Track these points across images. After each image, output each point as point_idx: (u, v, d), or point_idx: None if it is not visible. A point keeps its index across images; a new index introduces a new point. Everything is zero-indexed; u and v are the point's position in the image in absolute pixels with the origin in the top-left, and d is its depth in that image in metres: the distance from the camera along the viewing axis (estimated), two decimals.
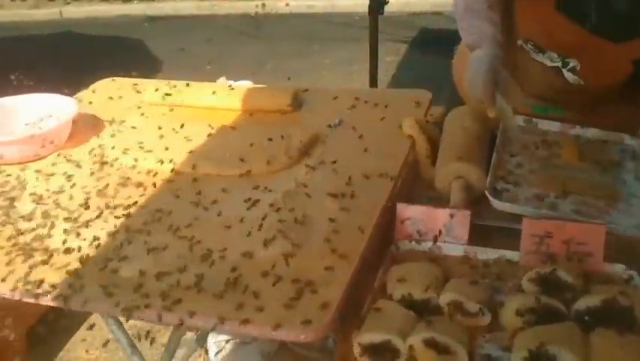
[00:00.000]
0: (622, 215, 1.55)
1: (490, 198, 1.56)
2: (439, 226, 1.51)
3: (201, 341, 1.99)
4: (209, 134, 1.93)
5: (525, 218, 1.44)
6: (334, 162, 1.75)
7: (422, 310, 1.31)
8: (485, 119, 1.81)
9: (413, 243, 1.52)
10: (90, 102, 2.28)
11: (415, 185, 1.79)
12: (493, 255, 1.46)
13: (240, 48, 6.88)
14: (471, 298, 1.27)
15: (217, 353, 1.97)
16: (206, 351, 2.00)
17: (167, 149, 1.84)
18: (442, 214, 1.51)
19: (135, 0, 8.69)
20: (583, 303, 1.24)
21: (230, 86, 2.33)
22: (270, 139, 1.85)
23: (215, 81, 2.59)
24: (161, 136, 1.93)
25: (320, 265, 1.36)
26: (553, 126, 1.90)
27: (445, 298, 1.30)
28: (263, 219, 1.53)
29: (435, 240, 1.50)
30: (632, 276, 1.36)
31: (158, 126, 1.99)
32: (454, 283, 1.34)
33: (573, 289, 1.29)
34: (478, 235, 1.53)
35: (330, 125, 1.96)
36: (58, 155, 1.94)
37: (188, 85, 2.23)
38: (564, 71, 1.83)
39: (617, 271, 1.39)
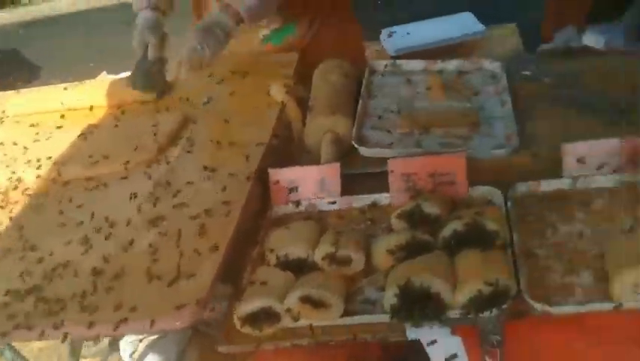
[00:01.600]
0: (484, 138, 1.59)
1: (357, 147, 1.57)
2: (311, 184, 1.52)
3: (114, 346, 1.96)
4: (81, 135, 1.87)
5: (390, 159, 1.47)
6: (205, 141, 1.73)
7: (300, 269, 1.32)
8: (350, 71, 1.83)
9: (290, 205, 1.52)
10: None
11: (291, 149, 1.78)
12: (366, 201, 1.49)
13: (121, 39, 6.63)
14: (343, 247, 1.29)
15: (132, 354, 1.94)
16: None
17: (29, 161, 1.77)
18: (312, 172, 1.52)
19: (8, 6, 8.23)
20: (447, 230, 1.27)
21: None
22: (140, 130, 1.80)
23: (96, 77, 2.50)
24: (25, 148, 1.86)
25: (190, 250, 1.34)
26: (417, 65, 1.92)
27: (319, 253, 1.31)
28: (137, 211, 1.50)
29: (309, 198, 1.51)
30: (492, 196, 1.41)
31: (21, 136, 1.91)
32: (326, 236, 1.35)
33: (439, 219, 1.32)
34: (352, 184, 1.56)
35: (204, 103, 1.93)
36: None
37: (65, 88, 2.12)
38: None
39: (482, 193, 1.43)
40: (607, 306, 1.12)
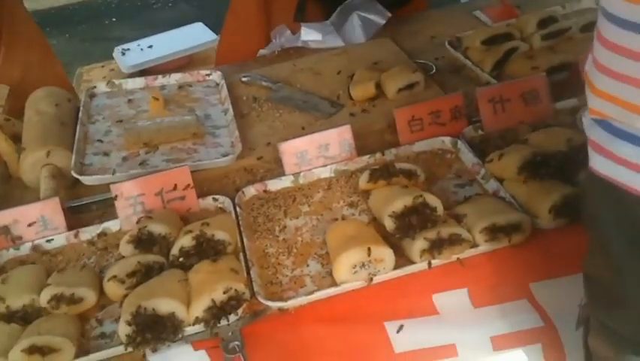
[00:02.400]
0: (210, 148, 1.60)
1: (77, 176, 1.49)
2: (31, 224, 1.40)
3: None
4: None
5: (113, 185, 1.40)
6: None
7: (28, 318, 1.21)
8: (63, 98, 1.73)
9: (11, 250, 1.39)
10: None
11: (8, 188, 1.63)
12: (95, 231, 1.41)
13: None
14: (72, 285, 1.21)
15: None
16: None
17: None
18: (31, 210, 1.41)
19: None
20: (176, 247, 1.26)
21: None
22: None
23: None
24: None
25: None
26: (137, 83, 1.88)
27: (44, 297, 1.21)
28: None
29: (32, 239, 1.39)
30: (223, 201, 1.42)
31: None
32: (52, 277, 1.26)
33: (168, 237, 1.30)
34: (81, 215, 1.47)
35: None
36: None
37: None
38: None
39: (212, 202, 1.44)
40: (332, 291, 1.18)
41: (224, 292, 1.15)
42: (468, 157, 1.44)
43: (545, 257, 1.23)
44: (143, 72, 3.05)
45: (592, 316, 0.98)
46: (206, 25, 3.47)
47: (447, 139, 1.50)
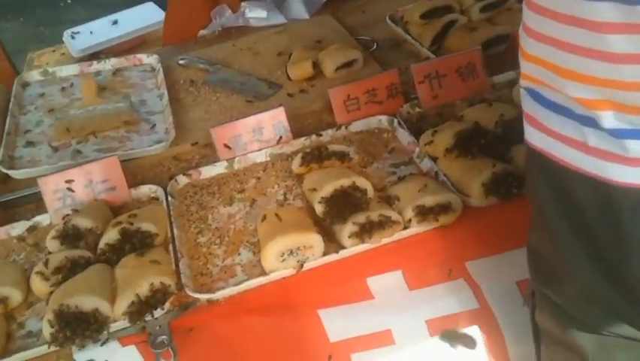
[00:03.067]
0: (144, 136, 1.56)
1: (6, 171, 1.45)
2: None
3: None
4: None
5: (40, 178, 1.36)
6: None
7: None
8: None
9: None
10: None
11: None
12: (24, 227, 1.37)
13: None
14: None
15: None
16: None
17: None
18: None
19: None
20: (102, 241, 1.23)
21: None
22: None
23: None
24: None
25: None
26: (71, 70, 1.83)
27: None
28: None
29: None
30: (155, 190, 1.39)
31: None
32: None
33: (96, 231, 1.27)
34: (15, 210, 1.44)
35: None
36: None
37: None
38: None
39: (144, 192, 1.40)
40: (262, 280, 1.16)
41: (150, 287, 1.12)
42: (404, 136, 1.42)
43: (479, 235, 1.21)
44: (93, 55, 2.97)
45: (536, 291, 0.97)
46: (157, 4, 3.39)
47: (383, 118, 1.48)
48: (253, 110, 1.60)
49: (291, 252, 1.15)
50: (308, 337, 1.14)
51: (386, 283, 1.18)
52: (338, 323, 1.14)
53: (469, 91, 1.50)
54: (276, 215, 1.21)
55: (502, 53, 1.62)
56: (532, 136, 0.81)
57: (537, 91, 0.80)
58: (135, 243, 1.22)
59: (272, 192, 1.36)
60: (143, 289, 1.12)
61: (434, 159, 1.33)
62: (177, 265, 1.19)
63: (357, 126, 1.48)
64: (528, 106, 0.82)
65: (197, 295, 1.14)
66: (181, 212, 1.34)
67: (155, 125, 1.59)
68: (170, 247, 1.23)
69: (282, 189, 1.36)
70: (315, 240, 1.15)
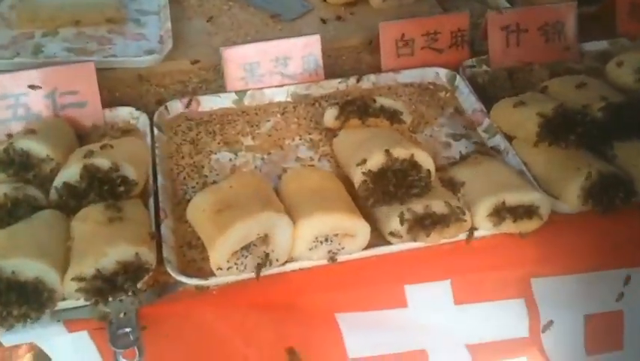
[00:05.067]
0: (129, 41, 1.24)
1: None
2: None
3: None
4: None
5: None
6: None
7: None
8: None
9: None
10: None
11: None
12: None
13: None
14: None
15: None
16: None
17: None
18: None
19: None
20: (59, 180, 0.91)
21: None
22: None
23: None
24: None
25: None
26: None
27: None
28: None
29: None
30: (137, 117, 1.07)
31: None
32: None
33: (50, 163, 0.94)
34: None
35: None
36: None
37: None
38: None
39: (122, 116, 1.10)
40: (279, 269, 0.88)
41: (118, 258, 0.80)
42: (469, 99, 1.13)
43: (560, 248, 0.95)
44: None
45: None
46: None
47: (443, 71, 1.20)
48: (274, 32, 1.28)
49: (326, 239, 0.85)
50: (320, 347, 0.90)
51: (428, 293, 0.94)
52: (360, 333, 0.90)
53: (552, 55, 1.23)
54: (308, 181, 0.90)
55: (593, 14, 1.31)
56: None
57: None
58: (104, 189, 0.89)
59: (291, 146, 1.06)
60: (109, 260, 0.80)
61: (509, 139, 1.03)
62: (158, 228, 0.87)
63: (407, 76, 1.20)
64: None
65: (182, 279, 0.83)
66: (169, 152, 1.04)
67: (146, 29, 1.28)
68: (151, 201, 0.91)
69: (305, 143, 1.05)
70: (362, 229, 0.87)
